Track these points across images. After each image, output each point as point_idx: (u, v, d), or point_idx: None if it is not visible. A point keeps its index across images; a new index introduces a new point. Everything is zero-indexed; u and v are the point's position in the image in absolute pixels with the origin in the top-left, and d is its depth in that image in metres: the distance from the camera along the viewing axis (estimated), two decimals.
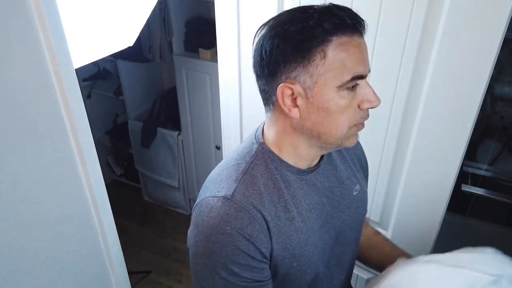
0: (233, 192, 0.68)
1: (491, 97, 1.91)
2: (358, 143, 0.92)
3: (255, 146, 0.76)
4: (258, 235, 0.67)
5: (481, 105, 1.06)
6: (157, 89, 2.80)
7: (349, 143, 0.72)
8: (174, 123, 2.60)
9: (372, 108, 0.69)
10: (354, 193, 0.85)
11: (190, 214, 2.31)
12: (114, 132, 2.93)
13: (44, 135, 0.73)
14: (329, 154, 0.83)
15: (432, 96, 1.10)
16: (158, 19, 2.16)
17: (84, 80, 2.72)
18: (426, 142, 1.17)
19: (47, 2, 0.67)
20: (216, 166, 0.78)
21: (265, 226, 0.69)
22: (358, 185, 0.87)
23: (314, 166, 0.78)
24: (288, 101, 0.67)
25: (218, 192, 0.70)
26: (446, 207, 1.25)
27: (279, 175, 0.73)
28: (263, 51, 0.65)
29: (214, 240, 0.66)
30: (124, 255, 1.08)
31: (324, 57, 0.62)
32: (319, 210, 0.78)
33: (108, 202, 0.95)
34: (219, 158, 2.38)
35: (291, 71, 0.65)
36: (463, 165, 1.39)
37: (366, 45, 0.66)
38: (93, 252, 0.94)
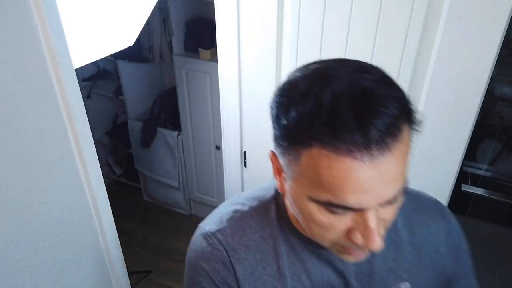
0: (215, 232, 0.63)
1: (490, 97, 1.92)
2: (446, 229, 0.67)
3: (272, 192, 0.65)
4: (227, 281, 0.62)
5: (481, 105, 1.06)
6: (157, 89, 2.80)
7: (343, 258, 0.56)
8: (174, 123, 2.60)
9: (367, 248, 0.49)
10: None
11: (190, 214, 2.30)
12: (114, 132, 2.93)
13: (44, 135, 0.73)
14: None
15: (432, 96, 1.10)
16: (158, 19, 2.16)
17: (84, 80, 2.72)
18: (426, 143, 1.17)
19: (47, 2, 0.67)
20: (237, 196, 0.71)
21: (235, 281, 0.62)
22: (407, 283, 0.65)
23: None
24: (274, 166, 0.56)
25: (207, 224, 0.66)
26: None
27: (283, 236, 0.62)
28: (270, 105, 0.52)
29: (189, 273, 0.65)
30: (124, 255, 1.08)
31: (299, 159, 0.46)
32: None
33: (108, 202, 0.95)
34: (219, 158, 2.38)
35: (275, 146, 0.51)
36: (463, 165, 1.39)
37: (384, 169, 0.43)
38: (93, 252, 0.94)
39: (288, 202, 0.57)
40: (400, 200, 0.50)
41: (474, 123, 1.08)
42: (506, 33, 0.96)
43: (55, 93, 0.73)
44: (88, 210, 0.90)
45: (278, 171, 0.55)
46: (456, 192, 1.36)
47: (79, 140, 0.80)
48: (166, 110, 2.63)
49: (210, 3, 1.98)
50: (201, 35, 2.20)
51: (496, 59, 0.99)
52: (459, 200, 1.78)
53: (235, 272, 0.61)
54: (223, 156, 1.61)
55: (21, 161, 0.70)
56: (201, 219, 0.71)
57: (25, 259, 0.75)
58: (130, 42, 1.29)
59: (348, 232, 0.49)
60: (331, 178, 0.44)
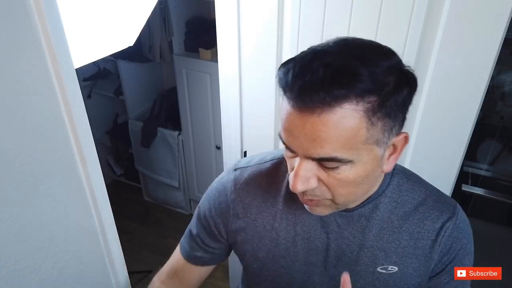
0: (242, 167, 0.78)
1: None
2: (451, 231, 0.69)
3: None
4: (219, 213, 0.77)
5: (481, 105, 1.06)
6: (157, 89, 2.80)
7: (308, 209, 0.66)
8: (174, 123, 2.60)
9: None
10: (379, 270, 0.69)
11: (190, 214, 2.30)
12: (114, 132, 2.93)
13: (44, 135, 0.73)
14: (378, 212, 0.68)
15: (432, 96, 1.10)
16: (158, 19, 2.16)
17: (85, 80, 2.72)
18: (426, 143, 1.17)
19: (47, 2, 0.66)
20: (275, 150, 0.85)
21: (229, 213, 0.76)
22: (395, 267, 0.68)
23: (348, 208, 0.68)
24: None
25: (242, 161, 0.80)
26: None
27: (288, 188, 0.71)
28: None
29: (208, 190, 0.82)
30: (124, 255, 1.08)
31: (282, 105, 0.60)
32: (319, 250, 0.71)
33: (108, 202, 0.95)
34: (219, 158, 2.38)
35: None
36: (463, 165, 1.39)
37: (309, 127, 0.53)
38: (93, 252, 0.94)
39: None
40: (347, 174, 0.56)
41: (475, 123, 1.08)
42: (506, 33, 0.96)
43: (55, 93, 0.73)
44: (88, 210, 0.90)
45: None
46: (456, 192, 1.36)
47: (79, 140, 0.80)
48: (166, 110, 2.63)
49: (210, 3, 1.99)
50: (201, 35, 2.20)
51: (497, 59, 0.99)
52: (459, 200, 1.78)
53: (234, 207, 0.75)
54: (224, 156, 1.61)
55: (21, 161, 0.70)
56: None
57: (25, 259, 0.75)
58: (131, 42, 1.29)
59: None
60: (282, 119, 0.57)
